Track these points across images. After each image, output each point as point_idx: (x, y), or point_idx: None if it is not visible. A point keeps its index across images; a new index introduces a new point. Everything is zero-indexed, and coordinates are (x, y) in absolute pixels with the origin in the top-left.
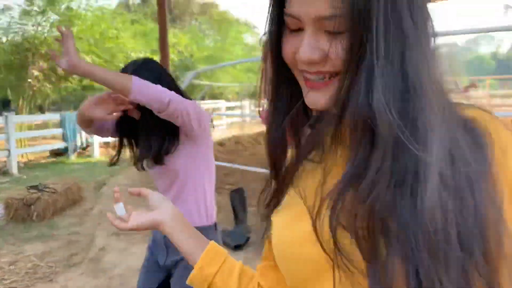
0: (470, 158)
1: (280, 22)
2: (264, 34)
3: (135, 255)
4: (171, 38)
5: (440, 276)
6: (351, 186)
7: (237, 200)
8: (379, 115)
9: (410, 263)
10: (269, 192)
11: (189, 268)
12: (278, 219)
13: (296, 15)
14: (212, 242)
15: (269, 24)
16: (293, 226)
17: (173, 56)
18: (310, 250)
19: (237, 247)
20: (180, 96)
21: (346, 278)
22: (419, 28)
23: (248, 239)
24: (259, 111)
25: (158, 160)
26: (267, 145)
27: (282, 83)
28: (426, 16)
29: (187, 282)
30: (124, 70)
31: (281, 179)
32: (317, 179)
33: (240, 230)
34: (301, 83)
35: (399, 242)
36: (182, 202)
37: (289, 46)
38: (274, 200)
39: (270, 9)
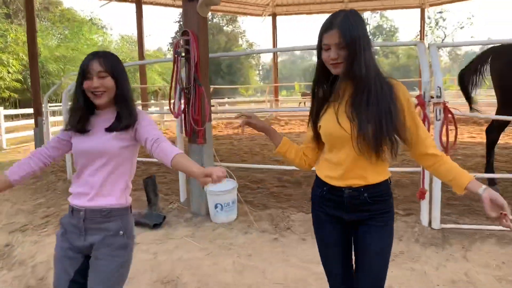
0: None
1: (320, 47)
2: None
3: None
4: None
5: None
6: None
7: (150, 186)
8: (362, 75)
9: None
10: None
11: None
12: (324, 121)
13: (327, 44)
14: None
15: (318, 49)
16: (330, 122)
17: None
18: (339, 131)
19: (156, 226)
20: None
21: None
22: (370, 46)
23: (164, 218)
24: (171, 108)
25: (127, 127)
26: (313, 95)
27: (322, 69)
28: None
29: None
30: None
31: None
32: (336, 106)
33: (154, 212)
34: (329, 66)
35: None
36: (113, 180)
37: (325, 55)
38: (316, 115)
39: (318, 44)
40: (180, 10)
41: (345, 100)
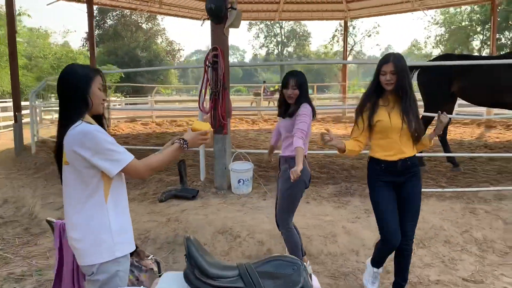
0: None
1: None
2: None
3: None
4: None
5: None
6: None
7: (182, 168)
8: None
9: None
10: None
11: None
12: (379, 118)
13: (383, 71)
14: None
15: (375, 74)
16: (385, 120)
17: None
18: (391, 126)
19: (193, 197)
20: None
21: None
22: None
23: (198, 191)
24: (200, 106)
25: None
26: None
27: (377, 86)
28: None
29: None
30: None
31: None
32: (387, 110)
33: (188, 187)
34: (383, 85)
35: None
36: None
37: (382, 78)
38: (370, 115)
39: (376, 71)
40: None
41: (393, 106)
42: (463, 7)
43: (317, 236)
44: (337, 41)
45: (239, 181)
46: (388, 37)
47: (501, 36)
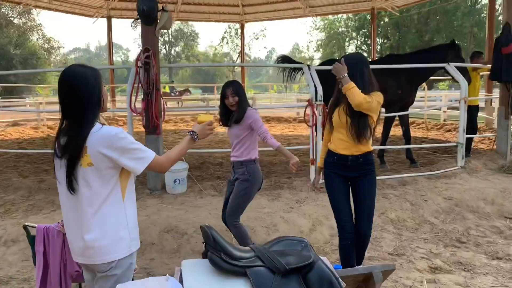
0: None
1: None
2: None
3: None
4: None
5: None
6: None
7: None
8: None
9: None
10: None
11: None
12: (336, 113)
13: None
14: None
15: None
16: (341, 114)
17: None
18: (339, 122)
19: None
20: None
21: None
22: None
23: None
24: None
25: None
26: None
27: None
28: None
29: None
30: None
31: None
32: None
33: None
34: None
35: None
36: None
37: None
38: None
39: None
40: None
41: (346, 104)
42: (339, 15)
43: (260, 227)
44: (227, 43)
45: (175, 181)
46: (273, 40)
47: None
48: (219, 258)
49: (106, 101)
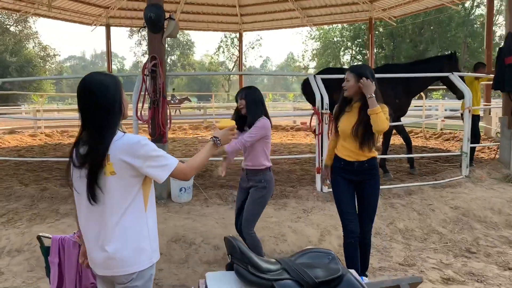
0: None
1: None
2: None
3: None
4: None
5: None
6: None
7: None
8: None
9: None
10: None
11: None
12: (341, 122)
13: (345, 77)
14: None
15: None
16: (346, 124)
17: None
18: (344, 130)
19: None
20: None
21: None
22: None
23: None
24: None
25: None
26: (335, 110)
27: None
28: None
29: None
30: None
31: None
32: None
33: None
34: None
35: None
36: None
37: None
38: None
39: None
40: None
41: (353, 112)
42: (334, 25)
43: (268, 236)
44: (223, 52)
45: (180, 190)
46: (268, 49)
47: (367, 52)
48: (246, 271)
49: (127, 108)
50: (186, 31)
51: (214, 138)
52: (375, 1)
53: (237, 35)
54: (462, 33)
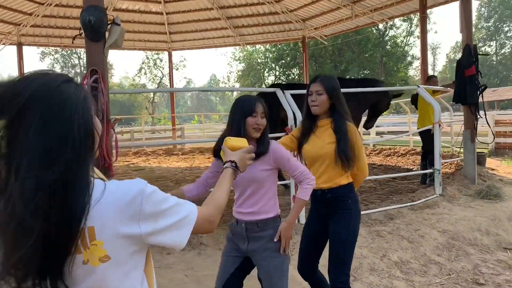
0: None
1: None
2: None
3: None
4: None
5: None
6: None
7: None
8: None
9: None
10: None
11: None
12: (307, 145)
13: (310, 90)
14: None
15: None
16: (313, 147)
17: None
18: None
19: None
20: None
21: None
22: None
23: None
24: None
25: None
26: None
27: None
28: None
29: None
30: None
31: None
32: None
33: None
34: (310, 107)
35: None
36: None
37: (309, 99)
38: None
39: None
40: None
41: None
42: (257, 46)
43: None
44: (145, 73)
45: None
46: (192, 71)
47: (291, 73)
48: None
49: (98, 141)
50: None
51: (232, 164)
52: (308, 20)
53: (160, 56)
54: (378, 53)
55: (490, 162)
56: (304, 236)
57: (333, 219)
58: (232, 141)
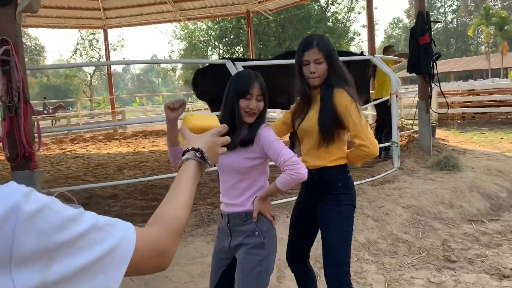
0: None
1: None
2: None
3: None
4: None
5: None
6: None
7: None
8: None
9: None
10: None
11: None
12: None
13: (306, 59)
14: None
15: (297, 64)
16: (304, 123)
17: None
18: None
19: None
20: None
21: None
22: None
23: None
24: None
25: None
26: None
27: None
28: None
29: None
30: None
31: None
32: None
33: None
34: (308, 79)
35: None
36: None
37: (305, 69)
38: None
39: (297, 58)
40: None
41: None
42: (199, 24)
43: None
44: (81, 55)
45: None
46: (131, 52)
47: (235, 51)
48: None
49: None
50: (34, 35)
51: (194, 153)
52: None
53: (96, 36)
54: (321, 29)
55: (438, 133)
56: (292, 223)
57: (322, 207)
58: (196, 119)
